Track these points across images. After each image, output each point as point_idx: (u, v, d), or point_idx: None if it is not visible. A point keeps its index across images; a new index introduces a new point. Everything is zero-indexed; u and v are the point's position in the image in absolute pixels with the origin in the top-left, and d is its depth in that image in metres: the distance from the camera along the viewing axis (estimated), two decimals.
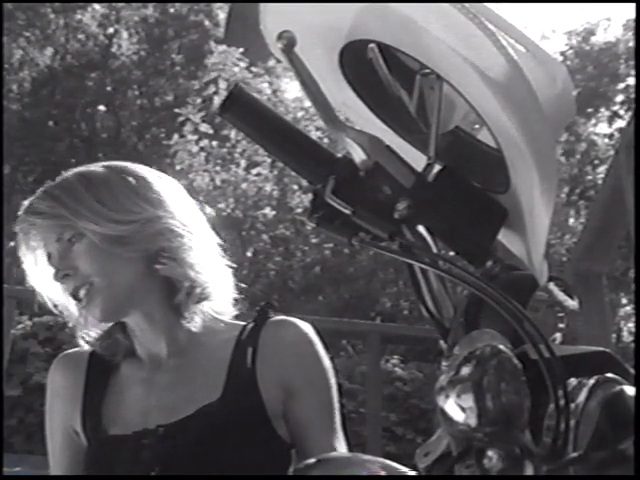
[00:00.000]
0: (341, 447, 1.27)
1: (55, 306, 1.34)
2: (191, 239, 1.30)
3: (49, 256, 1.30)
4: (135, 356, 1.36)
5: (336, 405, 1.30)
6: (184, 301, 1.30)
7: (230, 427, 1.23)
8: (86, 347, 1.38)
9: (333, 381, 1.31)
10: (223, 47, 9.45)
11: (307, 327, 1.32)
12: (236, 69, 9.27)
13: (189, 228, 1.30)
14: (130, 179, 1.31)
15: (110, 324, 1.35)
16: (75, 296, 1.28)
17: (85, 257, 1.26)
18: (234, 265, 1.37)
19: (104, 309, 1.27)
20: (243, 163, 9.01)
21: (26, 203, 1.30)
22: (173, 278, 1.29)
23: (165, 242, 1.27)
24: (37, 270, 1.32)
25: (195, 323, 1.32)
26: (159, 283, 1.30)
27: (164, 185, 1.34)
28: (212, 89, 8.92)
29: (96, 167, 1.33)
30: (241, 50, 9.21)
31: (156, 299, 1.30)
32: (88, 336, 1.35)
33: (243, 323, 1.34)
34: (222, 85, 8.83)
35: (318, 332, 1.33)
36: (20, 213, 1.30)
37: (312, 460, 0.69)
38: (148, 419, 1.26)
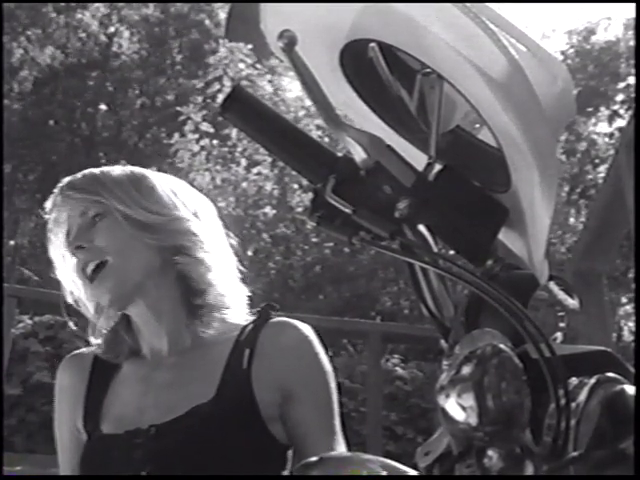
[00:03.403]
0: (341, 450, 1.26)
1: (75, 301, 1.34)
2: (212, 248, 1.33)
3: (68, 232, 1.30)
4: (138, 355, 1.37)
5: (336, 408, 1.29)
6: (201, 304, 1.31)
7: (221, 427, 1.23)
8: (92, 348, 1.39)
9: (333, 384, 1.30)
10: (231, 44, 9.39)
11: (307, 329, 1.31)
12: (242, 65, 9.22)
13: (213, 242, 1.34)
14: (172, 184, 1.37)
15: (114, 322, 1.36)
16: (84, 270, 1.28)
17: (105, 234, 1.28)
18: (248, 288, 1.40)
19: (114, 292, 1.27)
20: (244, 162, 8.99)
21: (67, 179, 1.33)
22: (188, 277, 1.31)
23: (187, 241, 1.31)
24: (60, 254, 1.32)
25: (208, 329, 1.32)
26: (172, 279, 1.31)
27: (201, 200, 1.40)
28: (216, 86, 8.88)
29: (143, 169, 1.39)
30: (250, 46, 9.15)
31: (165, 294, 1.31)
32: (96, 336, 1.36)
33: (244, 324, 1.34)
34: (227, 83, 8.80)
35: (318, 334, 1.32)
36: (57, 187, 1.32)
37: (312, 459, 0.68)
38: (143, 418, 1.26)
